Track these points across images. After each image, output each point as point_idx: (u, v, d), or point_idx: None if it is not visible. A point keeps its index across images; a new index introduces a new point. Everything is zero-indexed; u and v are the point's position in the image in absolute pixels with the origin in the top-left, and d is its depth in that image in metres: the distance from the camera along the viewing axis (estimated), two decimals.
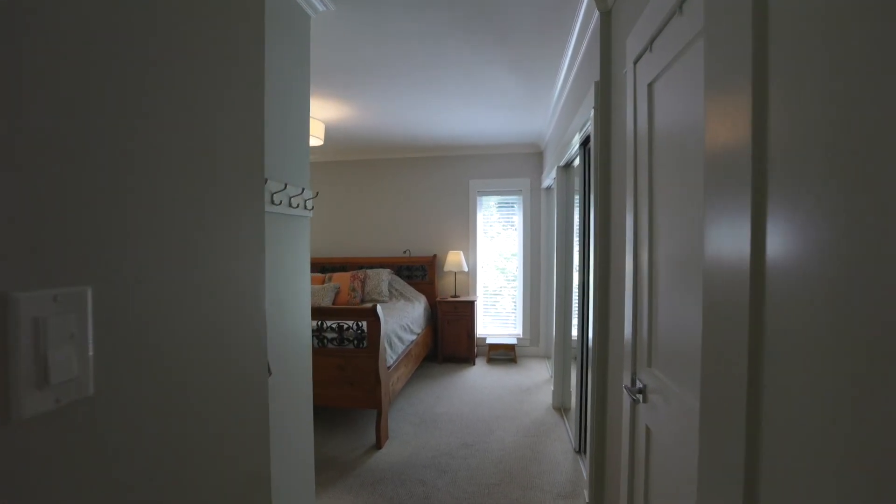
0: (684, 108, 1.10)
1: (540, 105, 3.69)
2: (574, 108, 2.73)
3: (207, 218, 0.69)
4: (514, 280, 5.36)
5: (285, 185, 1.73)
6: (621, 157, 1.71)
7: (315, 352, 3.10)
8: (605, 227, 1.95)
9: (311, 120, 3.61)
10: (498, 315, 5.40)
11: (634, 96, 1.49)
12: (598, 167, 1.97)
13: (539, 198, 5.13)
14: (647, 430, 1.41)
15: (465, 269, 5.07)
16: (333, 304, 4.51)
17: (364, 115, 3.93)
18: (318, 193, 1.95)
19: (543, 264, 5.08)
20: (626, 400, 1.55)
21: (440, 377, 4.44)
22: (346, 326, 3.12)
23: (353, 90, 3.31)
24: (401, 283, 5.03)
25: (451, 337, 4.93)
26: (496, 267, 5.43)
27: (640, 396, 1.42)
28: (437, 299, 4.98)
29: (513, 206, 5.34)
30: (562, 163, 3.37)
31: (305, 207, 1.91)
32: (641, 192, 1.43)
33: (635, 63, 1.48)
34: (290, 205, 1.81)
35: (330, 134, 4.46)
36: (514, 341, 5.04)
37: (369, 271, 4.93)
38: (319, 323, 3.13)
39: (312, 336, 3.09)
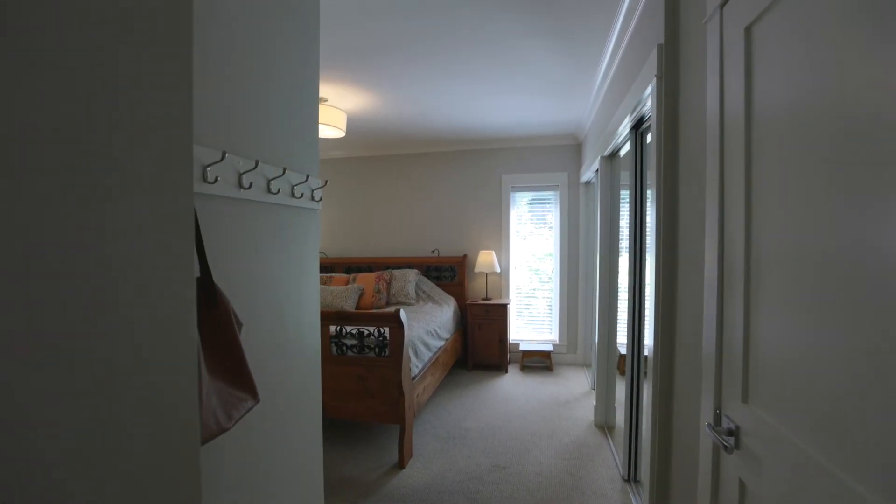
0: (820, 55, 0.76)
1: (581, 88, 3.33)
2: (624, 86, 2.37)
3: None
4: (547, 282, 5.00)
5: (284, 171, 1.47)
6: (695, 136, 1.36)
7: (333, 360, 2.87)
8: (672, 221, 1.60)
9: (331, 109, 3.39)
10: (532, 319, 5.05)
11: (721, 52, 1.14)
12: (662, 152, 1.62)
13: (577, 193, 4.75)
14: (742, 485, 1.07)
15: (497, 270, 4.75)
16: (357, 306, 4.29)
17: (388, 105, 3.68)
18: (326, 182, 1.68)
19: (582, 265, 4.70)
20: (708, 441, 1.20)
21: (470, 386, 4.14)
22: (366, 333, 2.86)
23: (374, 75, 3.06)
24: (429, 285, 4.76)
25: (481, 342, 4.62)
26: (529, 268, 5.08)
27: (730, 441, 1.07)
28: (467, 302, 4.68)
29: (547, 203, 4.98)
30: (606, 152, 3.00)
31: (313, 198, 1.65)
32: (733, 177, 1.09)
33: (722, 6, 1.14)
34: (292, 194, 1.55)
35: (353, 126, 4.24)
36: (549, 348, 4.68)
37: (395, 272, 4.68)
38: (338, 329, 2.89)
39: (331, 343, 2.86)
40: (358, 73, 3.02)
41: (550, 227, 4.97)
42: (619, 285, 3.13)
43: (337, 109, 3.41)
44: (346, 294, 4.21)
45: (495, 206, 5.00)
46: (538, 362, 4.85)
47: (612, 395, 3.22)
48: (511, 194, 4.99)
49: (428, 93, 3.39)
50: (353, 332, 2.88)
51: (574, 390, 4.00)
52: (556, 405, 3.64)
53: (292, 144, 1.57)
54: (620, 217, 3.10)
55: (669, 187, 1.62)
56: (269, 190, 1.42)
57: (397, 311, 2.70)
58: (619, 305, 3.16)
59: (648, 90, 1.77)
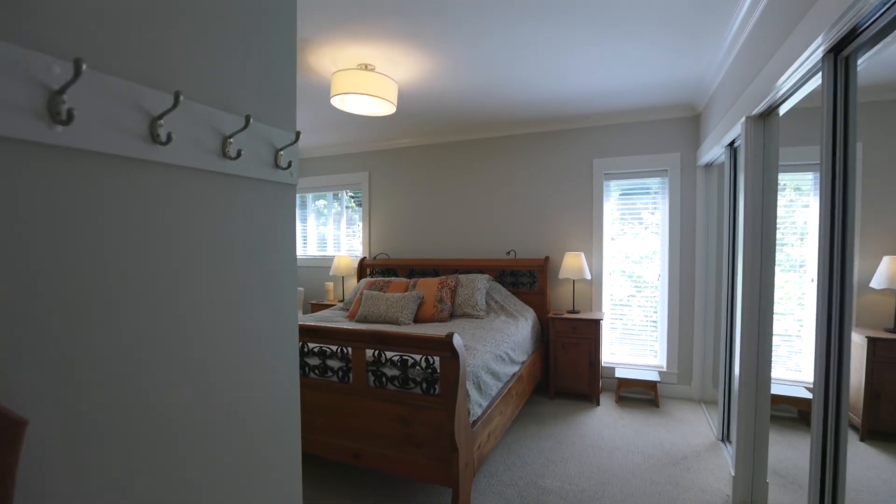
0: None
1: (710, 28, 2.37)
2: (799, 8, 1.44)
3: None
4: (645, 287, 3.98)
5: (247, 121, 0.84)
6: None
7: (369, 393, 2.23)
8: None
9: (380, 78, 2.77)
10: (627, 334, 4.07)
11: None
12: None
13: (693, 178, 3.70)
14: None
15: (587, 277, 3.85)
16: (416, 318, 3.65)
17: (449, 72, 2.98)
18: (299, 135, 1.01)
19: (702, 270, 3.64)
20: None
21: (551, 423, 3.31)
22: (410, 362, 2.19)
23: (432, 28, 2.37)
24: (502, 293, 3.99)
25: (567, 365, 3.76)
26: (621, 272, 4.10)
27: None
28: (550, 315, 3.85)
29: (645, 193, 3.96)
30: (756, 109, 2.04)
31: (285, 167, 1.00)
32: None
33: None
34: (262, 160, 0.93)
35: (407, 103, 3.60)
36: (654, 377, 3.68)
37: (462, 277, 3.98)
38: (376, 354, 2.25)
39: (367, 371, 2.23)
40: (410, 26, 2.36)
41: (644, 223, 3.94)
42: (772, 299, 2.14)
43: (386, 78, 2.78)
44: (402, 304, 3.59)
45: (584, 198, 4.09)
46: (639, 393, 3.86)
47: (762, 457, 2.24)
48: (605, 183, 4.05)
49: (501, 50, 2.64)
50: (395, 359, 2.22)
51: (692, 440, 3.00)
52: (670, 463, 2.69)
53: (259, 79, 0.94)
54: (776, 205, 2.11)
55: None
56: (223, 153, 0.79)
57: (450, 337, 1.99)
58: (772, 329, 2.18)
59: None
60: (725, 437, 2.88)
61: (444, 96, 3.42)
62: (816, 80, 1.64)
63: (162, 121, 0.73)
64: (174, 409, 0.76)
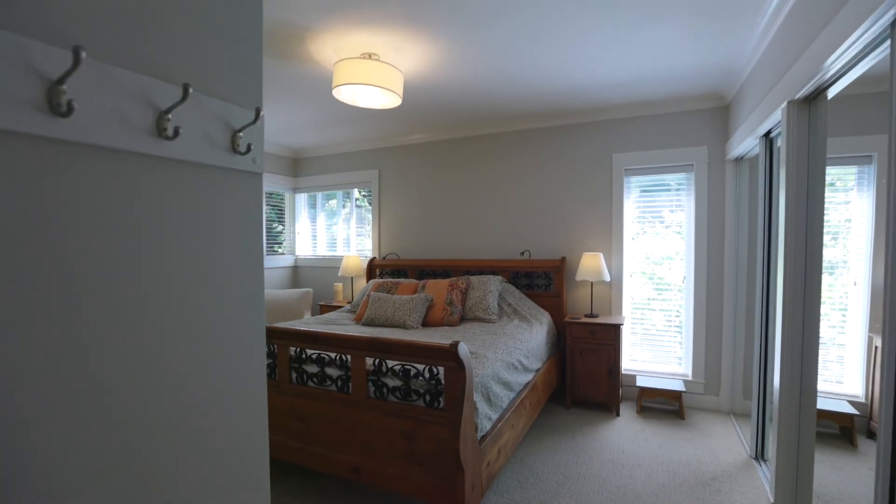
0: None
1: (743, 6, 2.14)
2: None
3: None
4: (667, 289, 3.73)
5: (185, 92, 0.68)
6: None
7: (370, 405, 2.07)
8: None
9: (385, 68, 2.60)
10: (647, 337, 3.82)
11: None
12: None
13: (722, 173, 3.44)
14: None
15: (606, 279, 3.63)
16: (424, 322, 3.48)
17: (460, 61, 2.80)
18: (261, 114, 0.84)
19: (731, 271, 3.39)
20: None
21: (568, 433, 3.10)
22: (412, 372, 2.02)
23: (441, 13, 2.20)
24: (515, 296, 3.79)
25: (584, 373, 3.54)
26: (641, 272, 3.86)
27: None
28: (566, 319, 3.63)
29: (665, 190, 3.71)
30: (801, 93, 1.81)
31: (244, 151, 0.84)
32: None
33: None
34: (213, 141, 0.76)
35: (415, 96, 3.43)
36: (679, 386, 3.44)
37: (474, 279, 3.79)
38: (376, 362, 2.08)
39: (367, 381, 2.06)
40: (416, 11, 2.19)
41: (665, 222, 3.70)
42: (819, 302, 1.91)
43: (391, 67, 2.62)
44: (410, 306, 3.42)
45: (604, 196, 3.86)
46: (662, 403, 3.63)
47: (806, 480, 2.01)
48: (626, 179, 3.82)
49: (514, 36, 2.45)
50: (397, 368, 2.05)
51: (722, 457, 2.76)
52: (699, 483, 2.47)
53: (208, 40, 0.78)
54: (823, 200, 1.87)
55: None
56: (159, 131, 0.63)
57: (455, 346, 1.81)
58: (818, 334, 1.95)
59: None
60: (760, 455, 2.64)
61: (452, 88, 3.24)
62: (877, 56, 1.42)
63: (63, 86, 0.57)
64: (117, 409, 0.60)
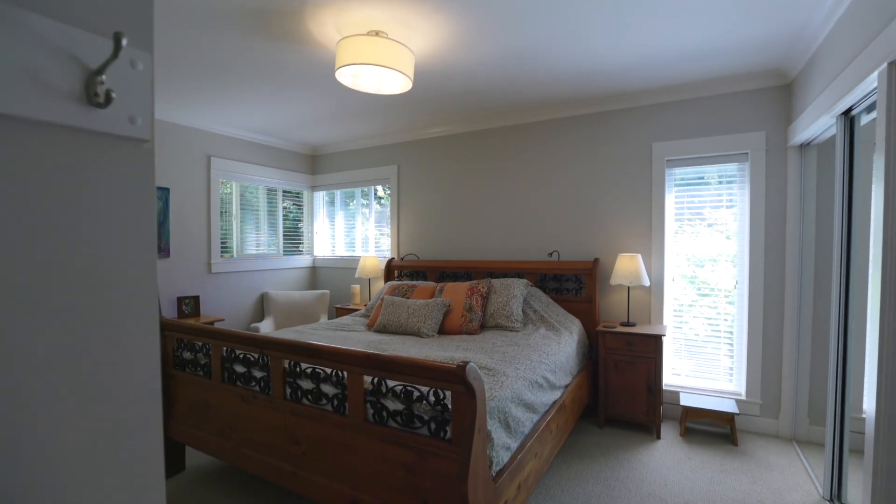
0: None
1: None
2: None
3: None
4: (709, 294, 3.28)
5: None
6: None
7: (367, 430, 1.78)
8: None
9: (393, 46, 2.32)
10: (688, 346, 3.39)
11: None
12: None
13: (783, 162, 2.99)
14: None
15: (646, 284, 3.23)
16: (441, 330, 3.18)
17: (477, 39, 2.48)
18: (122, 40, 0.53)
19: (794, 276, 2.93)
20: None
21: (601, 458, 2.74)
22: (415, 394, 1.72)
23: None
24: (542, 301, 3.44)
25: (620, 389, 3.16)
26: (681, 276, 3.43)
27: None
28: (600, 328, 3.26)
29: (709, 184, 3.27)
30: None
31: (103, 102, 0.55)
32: None
33: None
34: (44, 86, 0.48)
35: (427, 81, 3.13)
36: (731, 407, 3.00)
37: (496, 282, 3.47)
38: (375, 381, 1.80)
39: (365, 403, 1.78)
40: None
41: (706, 220, 3.25)
42: None
43: (400, 46, 2.33)
44: (425, 312, 3.13)
45: (642, 190, 3.46)
46: (710, 425, 3.20)
47: None
48: (668, 171, 3.40)
49: (543, 9, 2.12)
50: (398, 389, 1.76)
51: (788, 496, 2.34)
52: None
53: None
54: None
55: None
56: None
57: (462, 368, 1.50)
58: None
59: None
60: (836, 496, 2.21)
61: (470, 72, 2.93)
62: None
63: None
64: None
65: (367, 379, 1.87)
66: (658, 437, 3.04)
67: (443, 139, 4.39)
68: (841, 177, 2.13)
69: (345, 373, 1.89)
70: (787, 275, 2.97)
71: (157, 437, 0.63)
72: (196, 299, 4.06)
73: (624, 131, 3.52)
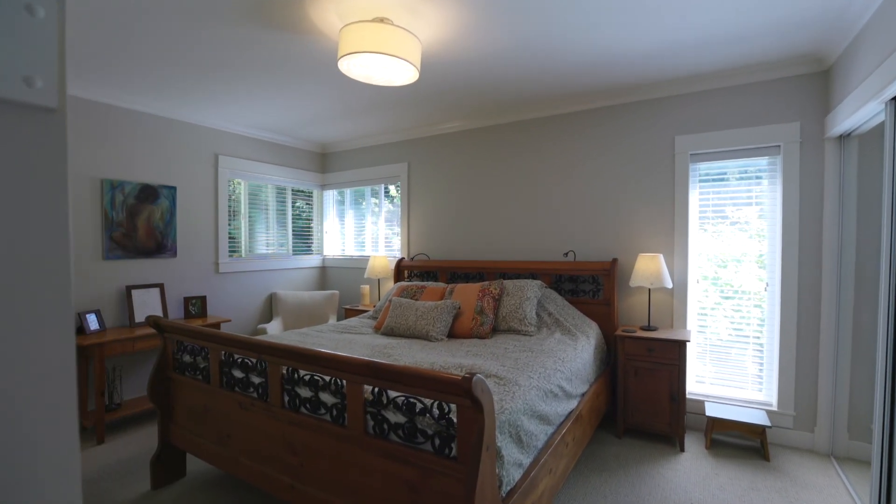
0: None
1: None
2: None
3: None
4: (733, 297, 3.07)
5: None
6: None
7: (366, 443, 1.65)
8: None
9: (398, 33, 2.19)
10: (712, 351, 3.18)
11: None
12: None
13: (820, 155, 2.77)
14: None
15: (668, 285, 3.04)
16: (451, 333, 3.04)
17: (483, 23, 2.34)
18: None
19: (832, 278, 2.72)
20: None
21: (620, 471, 2.56)
22: (418, 407, 1.58)
23: None
24: (558, 303, 3.27)
25: (640, 397, 2.98)
26: (703, 277, 3.23)
27: None
28: (618, 332, 3.08)
29: (728, 181, 3.05)
30: None
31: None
32: None
33: None
34: None
35: (437, 74, 2.99)
36: (762, 419, 2.80)
37: (509, 283, 3.31)
38: (376, 391, 1.67)
39: (365, 414, 1.65)
40: None
41: (729, 219, 3.04)
42: None
43: (406, 33, 2.20)
44: (434, 315, 2.99)
45: (663, 186, 3.27)
46: (738, 437, 3.00)
47: None
48: (691, 166, 3.21)
49: None
50: (400, 400, 1.62)
51: None
52: None
53: None
54: None
55: None
56: None
57: (468, 381, 1.35)
58: None
59: None
60: None
61: (480, 61, 2.78)
62: None
63: None
64: None
65: (368, 388, 1.74)
66: (681, 450, 2.85)
67: (454, 135, 4.25)
68: (891, 168, 1.92)
69: (344, 381, 1.77)
70: (823, 276, 2.76)
71: (72, 468, 0.50)
72: (203, 300, 3.99)
73: (644, 124, 3.33)
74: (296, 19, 2.28)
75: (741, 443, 2.94)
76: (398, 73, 2.39)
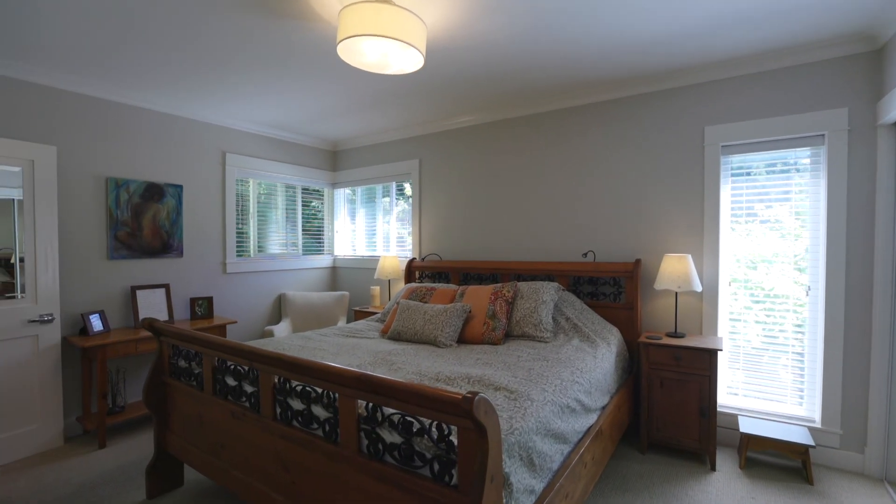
0: None
1: None
2: None
3: None
4: (764, 301, 2.80)
5: None
6: None
7: (358, 464, 1.48)
8: None
9: (401, 14, 2.02)
10: (745, 358, 2.91)
11: None
12: None
13: (871, 145, 2.49)
14: None
15: (697, 289, 2.79)
16: (461, 338, 2.86)
17: (496, 10, 2.15)
18: None
19: (883, 282, 2.44)
20: None
21: (644, 492, 2.34)
22: (415, 427, 1.41)
23: None
24: (576, 307, 3.06)
25: (666, 409, 2.74)
26: (733, 279, 2.96)
27: None
28: (642, 339, 2.85)
29: (758, 176, 2.78)
30: None
31: None
32: None
33: None
34: None
35: (446, 62, 2.80)
36: (804, 437, 2.53)
37: (523, 285, 3.11)
38: (369, 406, 1.49)
39: (358, 431, 1.48)
40: None
41: (759, 217, 2.76)
42: None
43: (410, 14, 2.02)
44: (443, 319, 2.81)
45: (692, 181, 3.02)
46: (777, 457, 2.73)
47: None
48: (723, 159, 2.95)
49: None
50: (396, 418, 1.45)
51: None
52: None
53: None
54: None
55: None
56: None
57: (469, 402, 1.17)
58: None
59: None
60: None
61: (492, 46, 2.59)
62: None
63: None
64: None
65: (362, 403, 1.57)
66: (713, 469, 2.60)
67: (466, 130, 4.06)
68: None
69: (336, 394, 1.60)
70: (875, 279, 2.48)
71: None
72: (209, 300, 3.90)
73: (670, 114, 3.09)
74: (298, 5, 2.12)
75: (780, 462, 2.68)
76: (403, 59, 2.22)
